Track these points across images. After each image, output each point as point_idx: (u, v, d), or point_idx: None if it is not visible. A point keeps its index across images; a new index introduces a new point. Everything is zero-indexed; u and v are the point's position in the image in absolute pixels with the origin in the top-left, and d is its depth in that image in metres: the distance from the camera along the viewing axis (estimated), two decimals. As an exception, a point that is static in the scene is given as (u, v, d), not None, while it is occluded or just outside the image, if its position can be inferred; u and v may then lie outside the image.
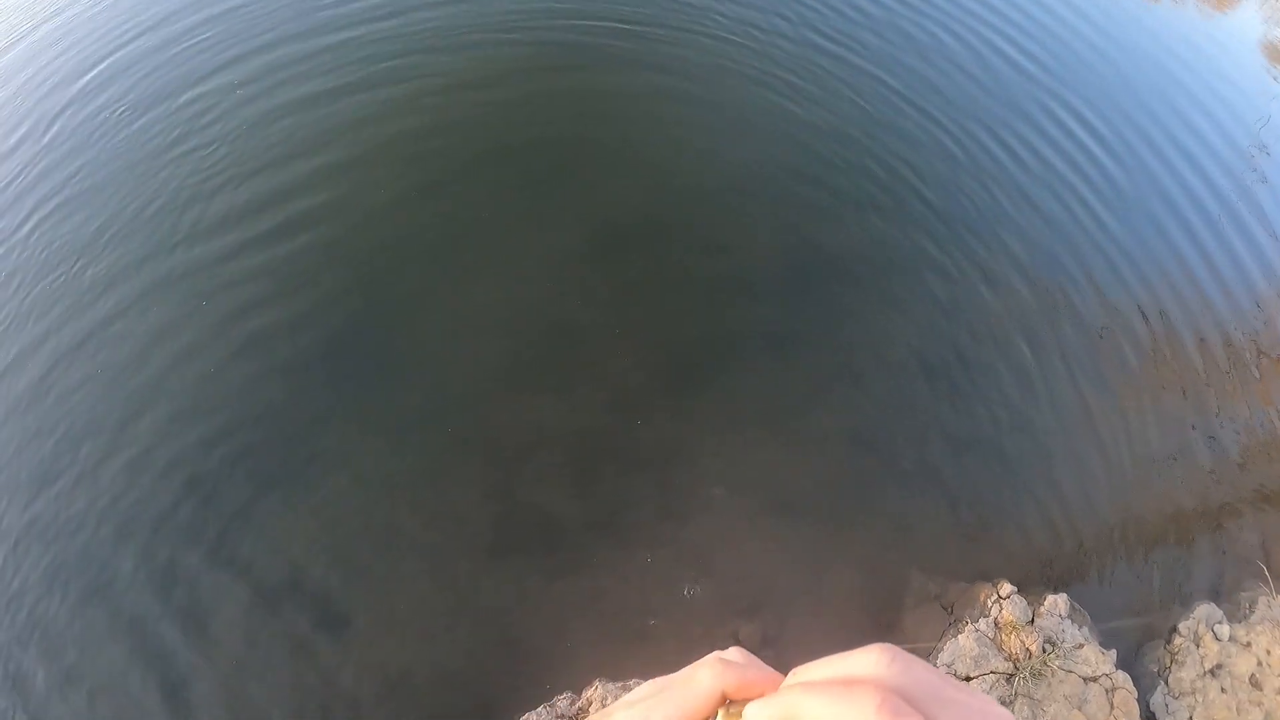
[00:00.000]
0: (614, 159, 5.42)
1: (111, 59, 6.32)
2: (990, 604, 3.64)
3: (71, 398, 4.32)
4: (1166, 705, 3.45)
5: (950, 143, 5.76)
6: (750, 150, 5.51)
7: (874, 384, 4.48)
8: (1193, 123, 6.55)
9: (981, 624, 3.55)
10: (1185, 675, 3.56)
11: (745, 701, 0.53)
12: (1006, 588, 3.67)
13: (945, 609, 3.74)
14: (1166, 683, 3.53)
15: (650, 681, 0.61)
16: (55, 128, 5.87)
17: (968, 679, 3.33)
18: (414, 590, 3.70)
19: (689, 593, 3.72)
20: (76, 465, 4.07)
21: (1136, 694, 3.37)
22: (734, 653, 0.59)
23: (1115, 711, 3.28)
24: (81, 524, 3.91)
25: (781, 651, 3.54)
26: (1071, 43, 7.14)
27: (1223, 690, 3.53)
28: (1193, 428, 4.56)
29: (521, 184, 5.20)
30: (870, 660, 0.51)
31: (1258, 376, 4.88)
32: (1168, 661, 3.62)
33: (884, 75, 6.19)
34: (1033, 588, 3.78)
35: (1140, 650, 3.74)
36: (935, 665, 3.42)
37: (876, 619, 3.72)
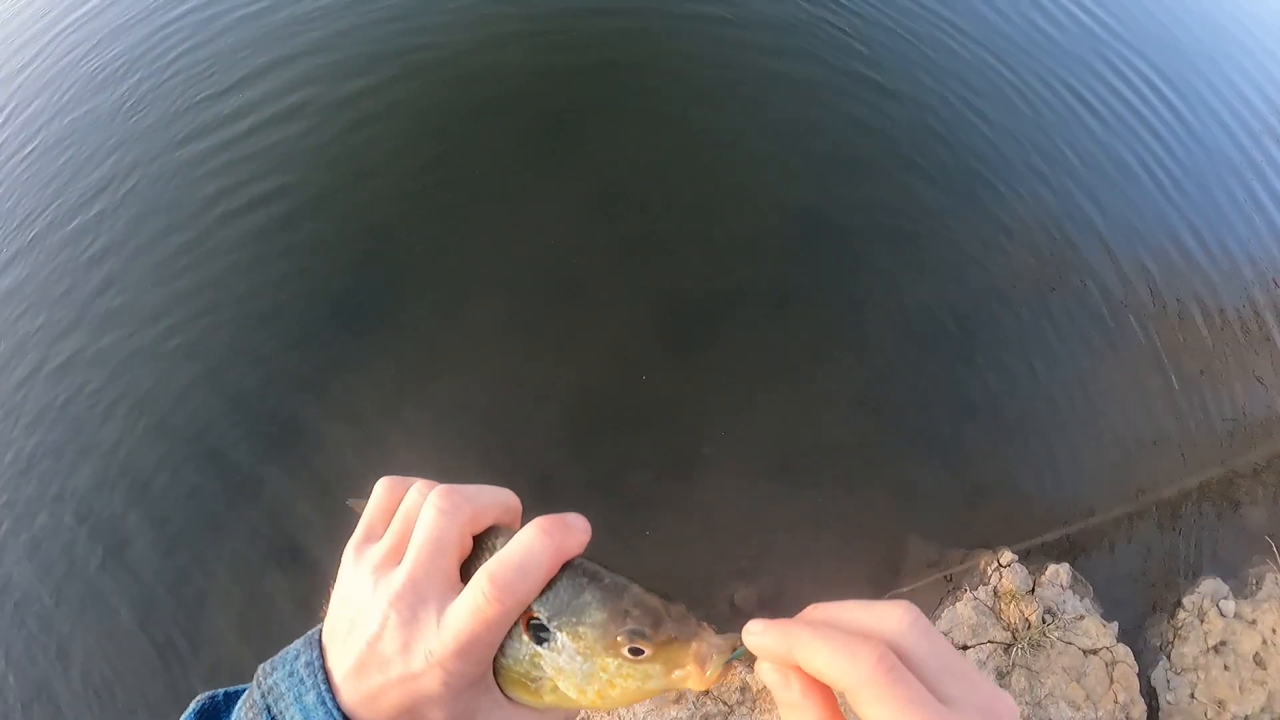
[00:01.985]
0: (618, 117, 5.26)
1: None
2: (990, 572, 3.58)
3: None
4: (1168, 681, 3.40)
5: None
6: (752, 114, 5.33)
7: (880, 346, 4.38)
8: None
9: (980, 592, 3.50)
10: (1188, 651, 3.50)
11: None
12: (1007, 556, 3.62)
13: (944, 576, 3.68)
14: (1169, 658, 3.47)
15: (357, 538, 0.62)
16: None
17: (964, 648, 3.29)
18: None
19: (686, 554, 3.69)
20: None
21: (1137, 668, 3.32)
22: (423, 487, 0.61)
23: (1115, 685, 3.23)
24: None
25: (778, 615, 3.50)
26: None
27: (1226, 668, 3.47)
28: (1211, 400, 4.44)
29: (523, 138, 5.06)
30: (888, 616, 0.50)
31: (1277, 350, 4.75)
32: (1170, 636, 3.56)
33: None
34: (1034, 557, 3.71)
35: (1143, 624, 3.67)
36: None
37: (874, 584, 3.67)
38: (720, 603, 3.51)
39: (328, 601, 0.61)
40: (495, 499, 0.62)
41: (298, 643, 0.60)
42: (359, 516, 0.65)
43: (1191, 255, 5.03)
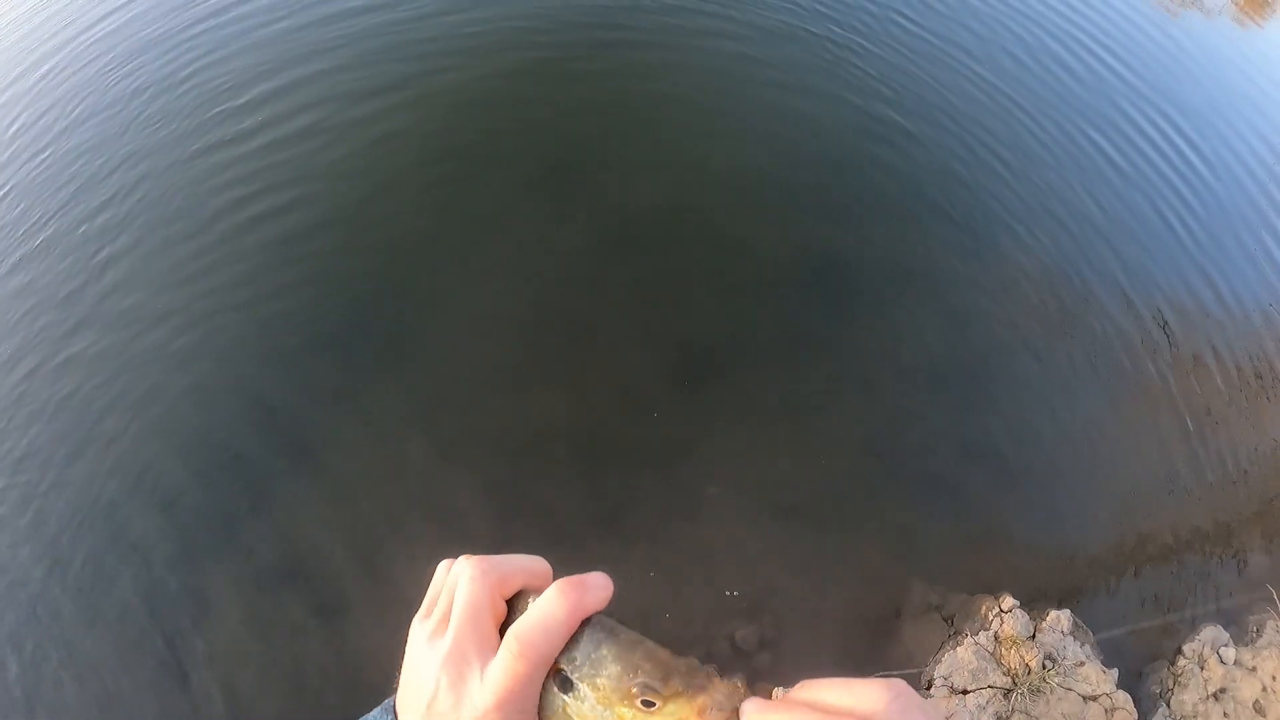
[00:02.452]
0: (634, 156, 5.36)
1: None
2: (991, 617, 3.60)
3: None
4: (1167, 728, 3.40)
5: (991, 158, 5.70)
6: (771, 153, 5.45)
7: (884, 390, 4.44)
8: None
9: (981, 637, 3.51)
10: (1188, 698, 3.50)
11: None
12: (1009, 601, 3.63)
13: (945, 620, 3.70)
14: (1168, 705, 3.48)
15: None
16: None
17: (964, 693, 3.30)
18: (412, 581, 3.69)
19: (689, 593, 3.71)
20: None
21: (1137, 715, 3.32)
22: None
23: (1113, 732, 3.23)
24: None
25: (779, 656, 3.52)
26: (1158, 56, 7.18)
27: (1225, 715, 3.47)
28: (1212, 448, 4.47)
29: (538, 177, 5.15)
30: (873, 694, 0.52)
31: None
32: (1170, 683, 3.57)
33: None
34: (1035, 602, 3.73)
35: (1143, 671, 3.68)
36: (933, 677, 3.40)
37: (875, 627, 3.69)
38: (721, 642, 3.52)
39: (399, 673, 0.67)
40: (521, 564, 0.67)
41: (375, 710, 0.68)
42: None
43: (1207, 302, 5.11)
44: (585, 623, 0.62)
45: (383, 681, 3.52)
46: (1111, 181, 5.71)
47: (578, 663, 0.60)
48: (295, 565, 3.74)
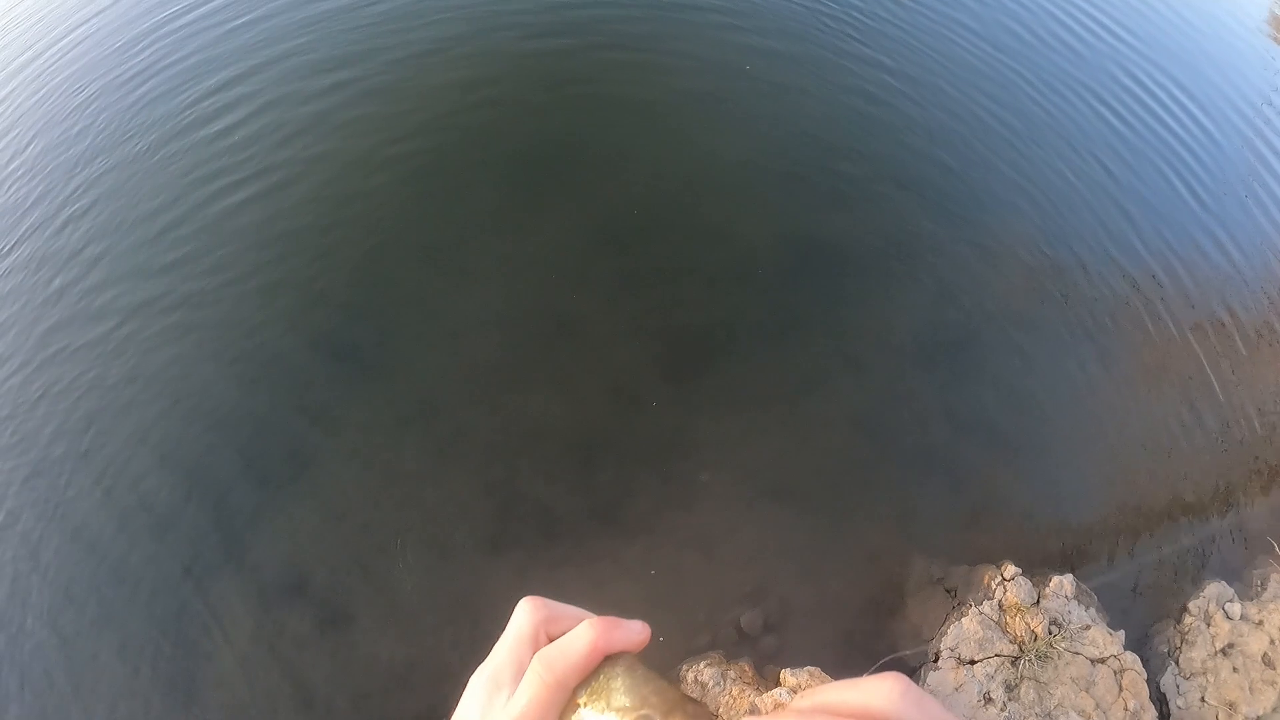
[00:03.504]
0: (613, 150, 5.32)
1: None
2: (994, 586, 3.58)
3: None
4: (1177, 686, 3.39)
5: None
6: (752, 140, 5.41)
7: (874, 369, 4.42)
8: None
9: (985, 606, 3.49)
10: (1196, 655, 3.50)
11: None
12: (1011, 569, 3.62)
13: (948, 592, 3.68)
14: (1177, 663, 3.47)
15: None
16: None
17: (972, 662, 3.28)
18: (415, 585, 3.67)
19: (691, 582, 3.68)
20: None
21: (1146, 675, 3.31)
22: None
23: (1124, 693, 3.22)
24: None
25: (784, 638, 3.50)
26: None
27: (1235, 670, 3.47)
28: (1206, 406, 4.47)
29: (519, 175, 5.12)
30: (882, 691, 0.50)
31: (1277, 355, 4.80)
32: (1178, 642, 3.56)
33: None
34: (1038, 569, 3.72)
35: (1149, 631, 3.68)
36: (939, 650, 3.38)
37: (879, 604, 3.67)
38: (726, 628, 3.50)
39: None
40: (573, 611, 0.68)
41: None
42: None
43: (1203, 263, 5.14)
44: (609, 659, 0.63)
45: (391, 688, 3.50)
46: (1118, 142, 5.75)
47: (591, 693, 0.62)
48: (296, 579, 3.70)
